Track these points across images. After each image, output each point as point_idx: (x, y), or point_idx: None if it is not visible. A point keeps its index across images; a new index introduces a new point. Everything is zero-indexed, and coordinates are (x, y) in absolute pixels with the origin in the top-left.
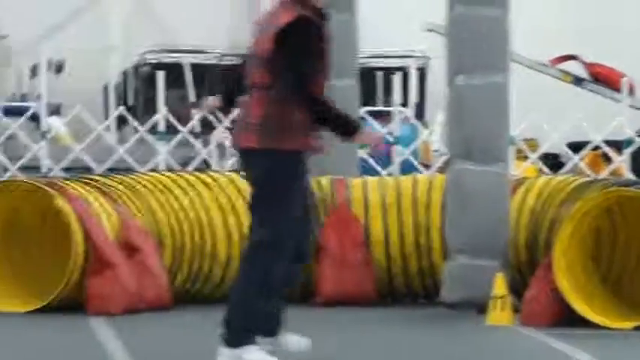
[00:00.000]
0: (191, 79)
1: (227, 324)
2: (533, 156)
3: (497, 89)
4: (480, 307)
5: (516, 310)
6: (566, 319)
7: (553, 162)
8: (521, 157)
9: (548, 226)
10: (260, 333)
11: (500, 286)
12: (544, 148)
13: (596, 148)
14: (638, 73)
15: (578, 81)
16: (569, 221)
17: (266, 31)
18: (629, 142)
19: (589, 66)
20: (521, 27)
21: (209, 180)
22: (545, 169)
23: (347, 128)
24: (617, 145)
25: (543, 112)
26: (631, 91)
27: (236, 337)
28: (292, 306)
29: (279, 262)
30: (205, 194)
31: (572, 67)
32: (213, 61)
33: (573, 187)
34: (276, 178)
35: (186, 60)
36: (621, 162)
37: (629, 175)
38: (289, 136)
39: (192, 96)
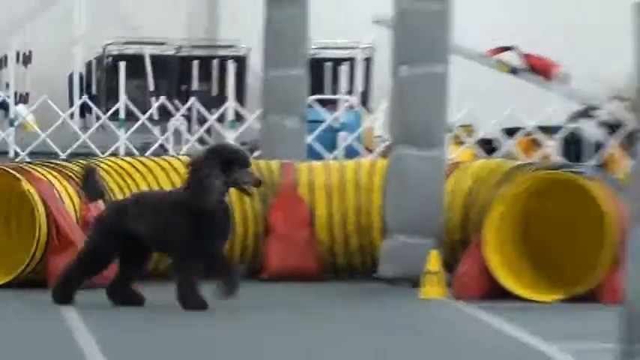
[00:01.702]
0: (150, 70)
1: None
2: (470, 141)
3: (437, 79)
4: (415, 282)
5: (449, 284)
6: (495, 293)
7: (488, 147)
8: (458, 142)
9: (480, 207)
10: None
11: (433, 262)
12: (480, 134)
13: (529, 134)
14: (575, 64)
15: (514, 71)
16: (501, 202)
17: None
18: (559, 128)
19: (525, 57)
20: (464, 19)
21: (165, 164)
22: (482, 154)
23: None
24: (549, 131)
25: (480, 100)
26: (564, 81)
27: None
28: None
29: None
30: (161, 177)
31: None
32: (172, 53)
33: (506, 170)
34: None
35: (146, 51)
36: (551, 147)
37: (559, 159)
38: None
39: (151, 85)
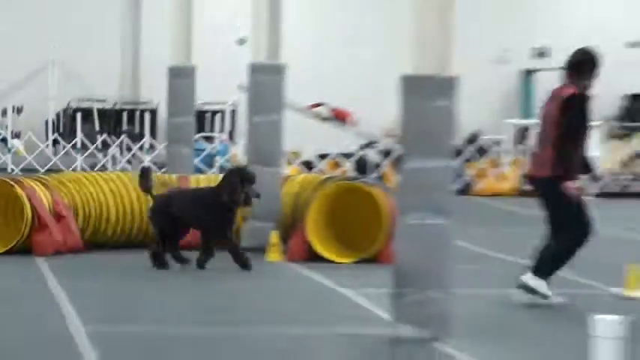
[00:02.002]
0: (97, 117)
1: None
2: (297, 162)
3: (275, 123)
4: (263, 250)
5: (284, 252)
6: (313, 257)
7: (308, 166)
8: (289, 162)
9: (303, 204)
10: None
11: (274, 238)
12: (303, 157)
13: (334, 158)
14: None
15: (325, 119)
16: (316, 200)
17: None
18: (352, 154)
19: (331, 110)
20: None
21: (106, 177)
22: (304, 170)
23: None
24: (347, 156)
25: (302, 135)
26: (354, 124)
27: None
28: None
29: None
30: (104, 185)
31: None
32: (110, 106)
33: (319, 180)
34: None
35: (94, 105)
36: (348, 167)
37: (353, 174)
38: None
39: (97, 127)
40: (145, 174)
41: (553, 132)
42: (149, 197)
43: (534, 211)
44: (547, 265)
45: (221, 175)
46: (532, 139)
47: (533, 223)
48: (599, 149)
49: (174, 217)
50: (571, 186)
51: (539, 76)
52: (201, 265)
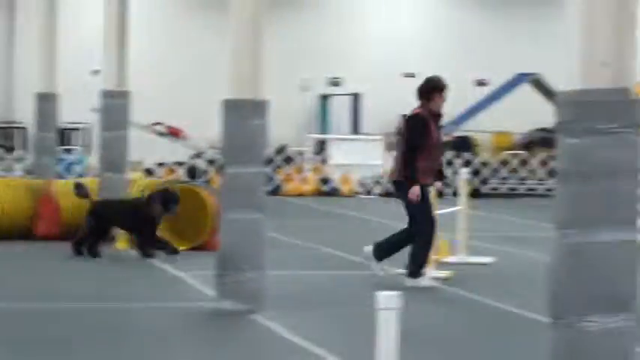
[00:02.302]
0: None
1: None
2: (139, 170)
3: (121, 138)
4: (113, 240)
5: (130, 241)
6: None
7: (149, 173)
8: (132, 170)
9: None
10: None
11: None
12: (145, 165)
13: (170, 166)
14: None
15: (162, 134)
16: None
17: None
18: (184, 163)
19: (167, 127)
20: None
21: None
22: (145, 176)
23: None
24: (181, 165)
25: (146, 150)
26: (185, 138)
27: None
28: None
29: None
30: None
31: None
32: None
33: (159, 183)
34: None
35: None
36: (181, 173)
37: (185, 179)
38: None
39: None
40: (79, 186)
41: (402, 144)
42: (87, 202)
43: (330, 208)
44: (387, 251)
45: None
46: (329, 150)
47: (329, 217)
48: (382, 158)
49: (105, 220)
50: (412, 191)
51: (332, 100)
52: (146, 255)
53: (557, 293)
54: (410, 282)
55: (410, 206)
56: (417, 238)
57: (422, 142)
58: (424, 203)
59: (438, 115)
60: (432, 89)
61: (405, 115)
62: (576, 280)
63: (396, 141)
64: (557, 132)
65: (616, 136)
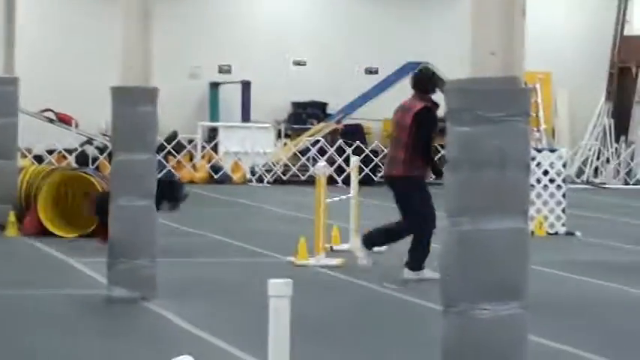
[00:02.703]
0: None
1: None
2: (29, 157)
3: (11, 125)
4: (2, 227)
5: (20, 229)
6: (44, 233)
7: (39, 159)
8: (24, 156)
9: (35, 188)
10: None
11: (11, 217)
12: (35, 152)
13: (60, 152)
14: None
15: (51, 121)
16: (46, 186)
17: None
18: (76, 150)
19: (57, 114)
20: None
21: None
22: (35, 163)
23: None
24: (70, 152)
25: (35, 134)
26: (75, 125)
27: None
28: None
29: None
30: None
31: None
32: None
33: (48, 170)
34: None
35: None
36: (69, 159)
37: (75, 165)
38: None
39: None
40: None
41: (405, 138)
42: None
43: (221, 195)
44: (380, 239)
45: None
46: (220, 138)
47: (220, 205)
48: (273, 145)
49: None
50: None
51: (223, 87)
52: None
53: (449, 281)
54: (410, 274)
55: (411, 201)
56: (416, 231)
57: (430, 135)
58: (427, 195)
59: (437, 107)
60: (435, 81)
61: (408, 107)
62: (467, 268)
63: (395, 135)
64: (447, 120)
65: (505, 125)
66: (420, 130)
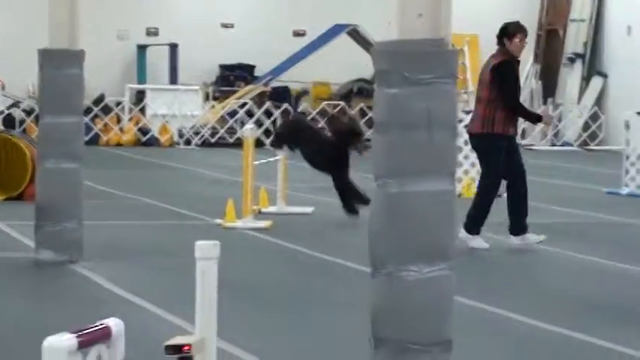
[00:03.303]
0: None
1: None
2: None
3: None
4: None
5: None
6: None
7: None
8: None
9: None
10: None
11: None
12: None
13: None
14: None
15: None
16: None
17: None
18: (1, 113)
19: None
20: None
21: None
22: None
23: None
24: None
25: None
26: (3, 88)
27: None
28: None
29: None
30: None
31: None
32: None
33: None
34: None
35: None
36: None
37: (2, 128)
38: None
39: None
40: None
41: (485, 94)
42: None
43: (149, 158)
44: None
45: None
46: (147, 100)
47: (148, 167)
48: (201, 108)
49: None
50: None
51: (150, 50)
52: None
53: (376, 243)
54: (462, 234)
55: (485, 160)
56: (482, 192)
57: (514, 88)
58: (502, 156)
59: (517, 61)
60: (513, 33)
61: (489, 62)
62: (395, 230)
63: (477, 92)
64: (375, 82)
65: (432, 87)
66: (498, 85)
